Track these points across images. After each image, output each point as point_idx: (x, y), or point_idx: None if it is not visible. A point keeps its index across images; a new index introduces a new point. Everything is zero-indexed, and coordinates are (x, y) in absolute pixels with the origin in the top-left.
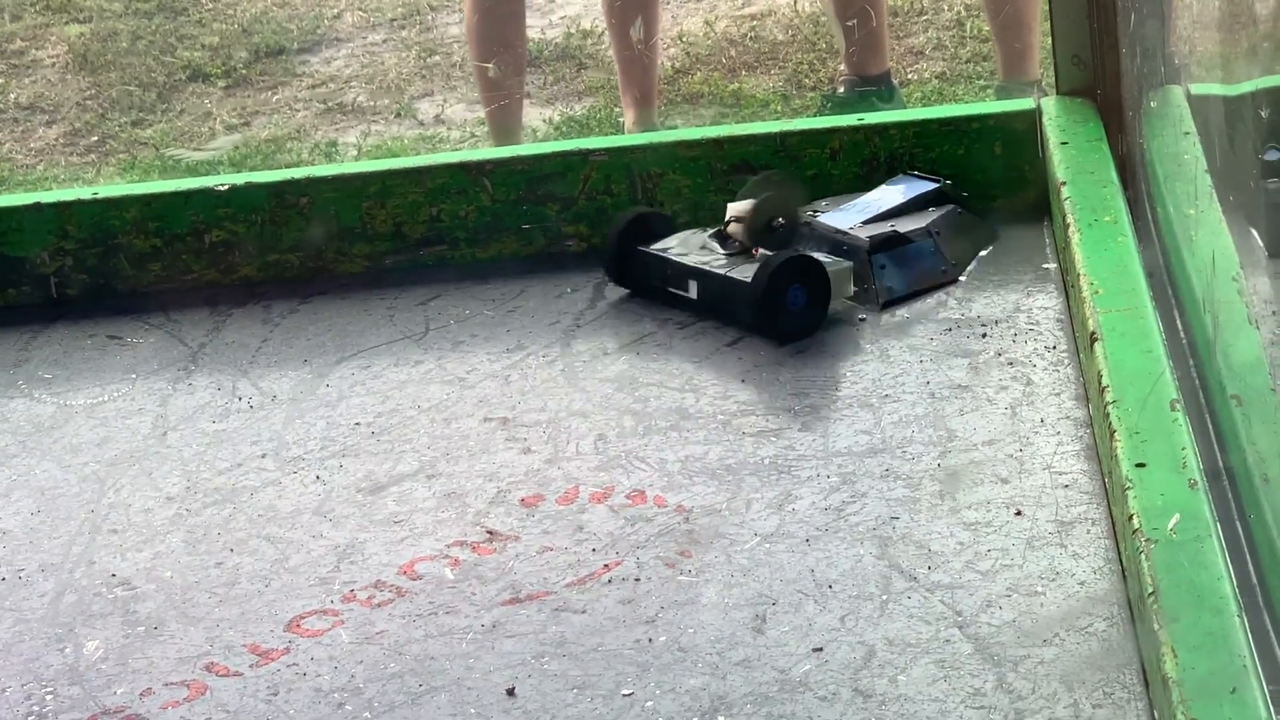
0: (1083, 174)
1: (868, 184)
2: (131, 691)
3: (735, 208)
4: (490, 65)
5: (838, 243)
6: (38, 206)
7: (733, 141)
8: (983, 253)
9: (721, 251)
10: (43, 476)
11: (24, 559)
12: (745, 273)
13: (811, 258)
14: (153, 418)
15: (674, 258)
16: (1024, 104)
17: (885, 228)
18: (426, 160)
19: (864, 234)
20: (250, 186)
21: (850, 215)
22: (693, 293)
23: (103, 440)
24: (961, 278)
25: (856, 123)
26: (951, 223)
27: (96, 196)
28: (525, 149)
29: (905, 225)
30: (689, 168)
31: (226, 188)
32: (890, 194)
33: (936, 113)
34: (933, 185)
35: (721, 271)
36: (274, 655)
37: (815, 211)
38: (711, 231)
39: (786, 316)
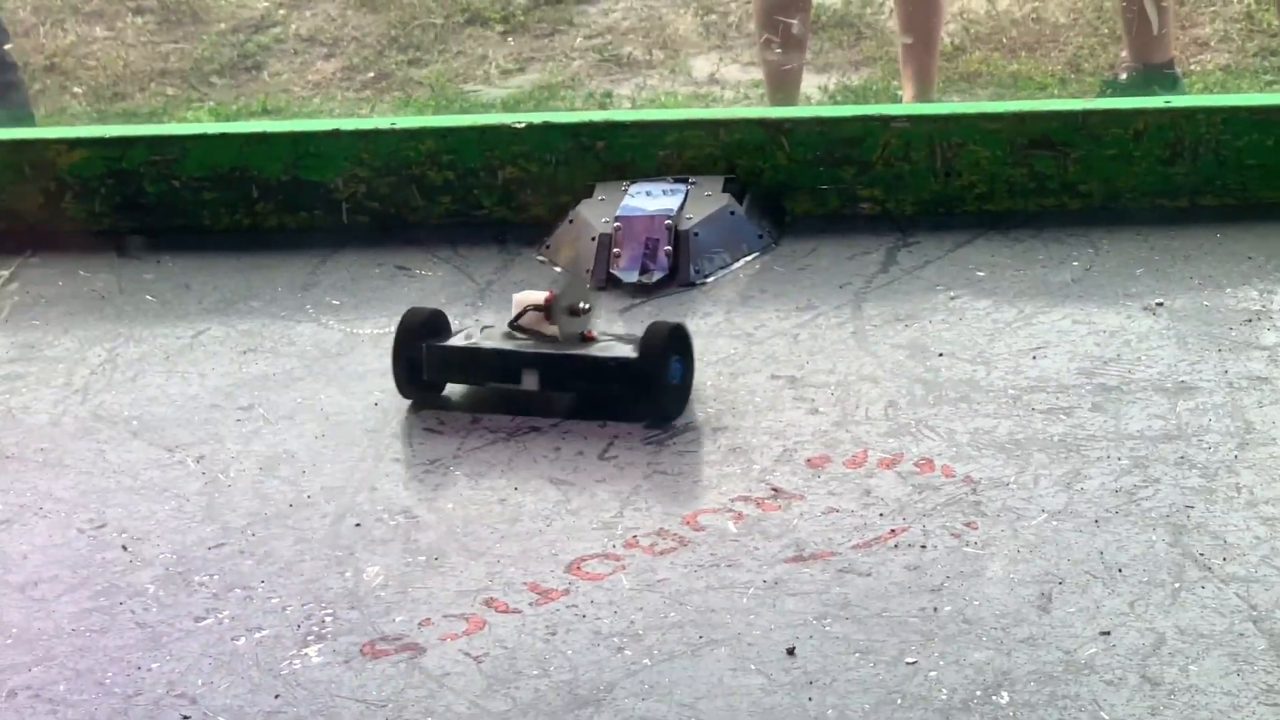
0: None
1: (1170, 167)
2: (410, 620)
3: (525, 298)
4: (794, 21)
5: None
6: (336, 133)
7: (1035, 117)
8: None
9: (527, 338)
10: (327, 402)
11: (307, 481)
12: (617, 351)
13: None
14: None
15: (500, 347)
16: None
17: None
18: (726, 113)
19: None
20: (548, 126)
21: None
22: (530, 384)
23: (387, 370)
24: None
25: (1163, 105)
26: None
27: (394, 127)
28: (826, 110)
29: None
30: (990, 140)
31: (523, 125)
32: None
33: (1249, 100)
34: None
35: (583, 353)
36: (554, 595)
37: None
38: (504, 327)
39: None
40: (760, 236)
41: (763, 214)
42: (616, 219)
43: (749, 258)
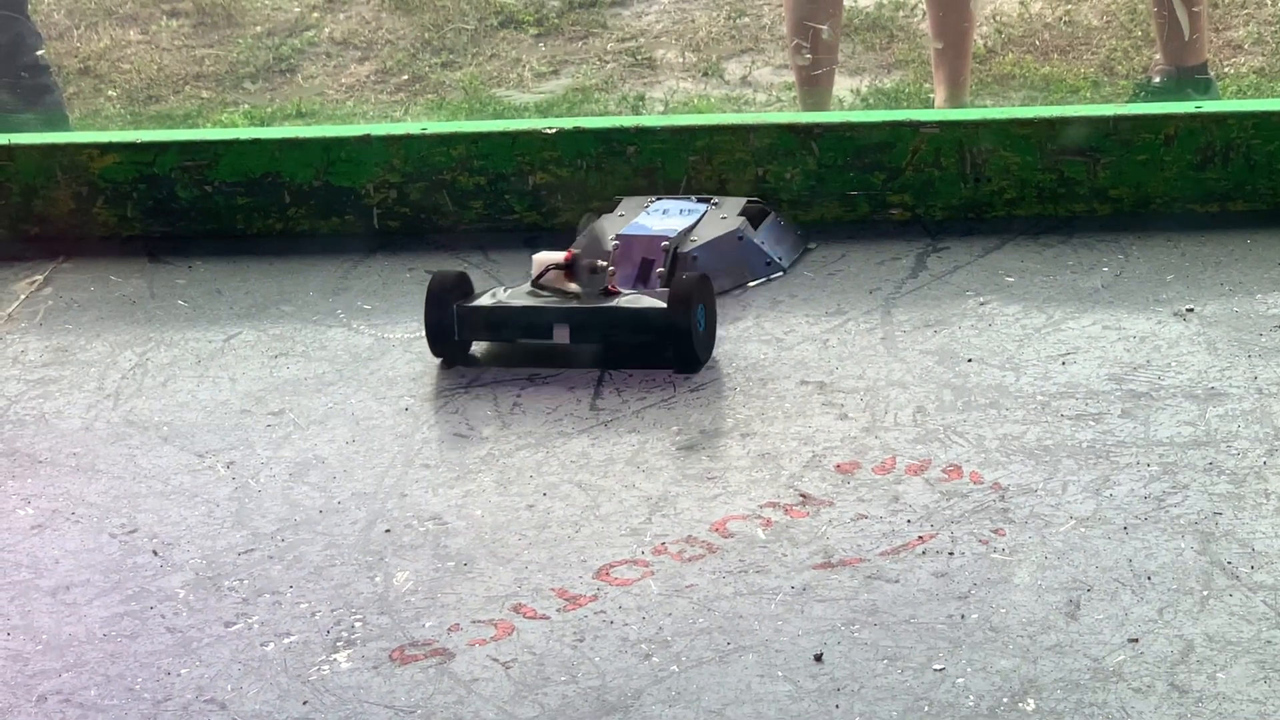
0: None
1: (1200, 172)
2: (440, 626)
3: (546, 257)
4: (825, 27)
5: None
6: (367, 139)
7: (1065, 123)
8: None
9: (554, 296)
10: (358, 406)
11: (338, 486)
12: (645, 302)
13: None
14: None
15: (530, 304)
16: None
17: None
18: (756, 119)
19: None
20: (579, 132)
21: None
22: (561, 337)
23: (418, 375)
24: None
25: (1193, 110)
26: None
27: (425, 132)
28: (855, 115)
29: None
30: (1020, 145)
31: (554, 131)
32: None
33: (1279, 104)
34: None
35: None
36: (582, 601)
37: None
38: (525, 286)
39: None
40: (769, 264)
41: (779, 240)
42: (616, 237)
43: (753, 283)
